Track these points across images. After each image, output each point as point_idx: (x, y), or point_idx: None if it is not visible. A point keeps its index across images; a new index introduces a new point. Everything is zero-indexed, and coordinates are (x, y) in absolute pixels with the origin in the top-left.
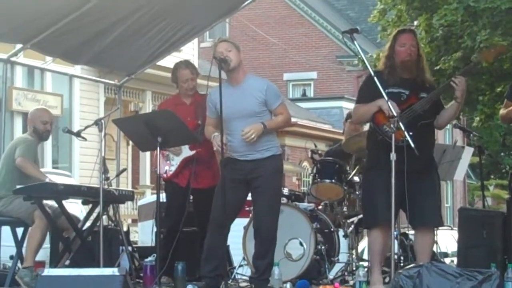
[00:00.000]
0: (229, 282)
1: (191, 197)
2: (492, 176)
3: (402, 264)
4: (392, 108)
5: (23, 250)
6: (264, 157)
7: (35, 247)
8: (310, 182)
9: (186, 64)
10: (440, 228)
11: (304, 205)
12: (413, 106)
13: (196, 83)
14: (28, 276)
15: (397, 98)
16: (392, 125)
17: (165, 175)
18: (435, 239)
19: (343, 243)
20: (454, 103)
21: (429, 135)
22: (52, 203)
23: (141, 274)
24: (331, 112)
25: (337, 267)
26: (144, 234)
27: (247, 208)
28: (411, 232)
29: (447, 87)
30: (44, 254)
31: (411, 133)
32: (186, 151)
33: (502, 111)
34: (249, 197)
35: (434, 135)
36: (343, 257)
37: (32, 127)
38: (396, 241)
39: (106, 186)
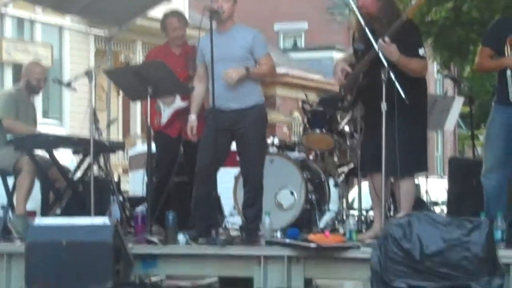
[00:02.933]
0: (220, 231)
1: (182, 148)
2: (482, 126)
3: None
4: None
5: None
6: (248, 106)
7: (24, 194)
8: (301, 132)
9: (174, 13)
10: (429, 176)
11: (295, 154)
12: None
13: (185, 32)
14: (20, 225)
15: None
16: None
17: (156, 125)
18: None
19: (334, 193)
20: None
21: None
22: (42, 153)
23: (132, 224)
24: (322, 62)
25: (328, 216)
26: (135, 184)
27: (239, 158)
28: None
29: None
30: (35, 204)
31: None
32: (178, 102)
33: (479, 59)
34: (233, 147)
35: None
36: (333, 206)
37: (25, 81)
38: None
39: (96, 136)
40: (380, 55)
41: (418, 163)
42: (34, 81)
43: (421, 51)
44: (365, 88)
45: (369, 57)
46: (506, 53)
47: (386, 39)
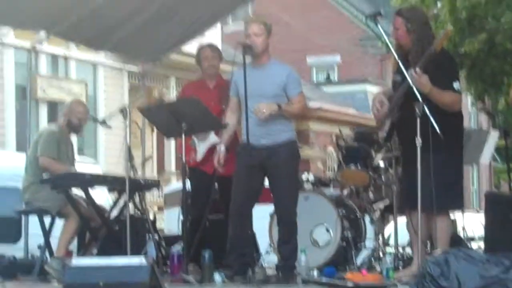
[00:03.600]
0: (256, 269)
1: (217, 184)
2: None
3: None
4: None
5: (55, 239)
6: (280, 142)
7: (68, 238)
8: (336, 168)
9: (208, 44)
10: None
11: (330, 191)
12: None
13: (219, 64)
14: (59, 265)
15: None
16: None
17: (191, 161)
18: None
19: (370, 229)
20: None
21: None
22: (78, 192)
23: (168, 263)
24: (356, 96)
25: (364, 253)
26: (170, 222)
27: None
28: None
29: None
30: (71, 243)
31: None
32: (213, 138)
33: None
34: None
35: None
36: (369, 243)
37: (66, 120)
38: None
39: (131, 174)
40: (413, 86)
41: (454, 199)
42: (76, 120)
43: (455, 85)
44: (399, 121)
45: (403, 89)
46: None
47: (418, 70)
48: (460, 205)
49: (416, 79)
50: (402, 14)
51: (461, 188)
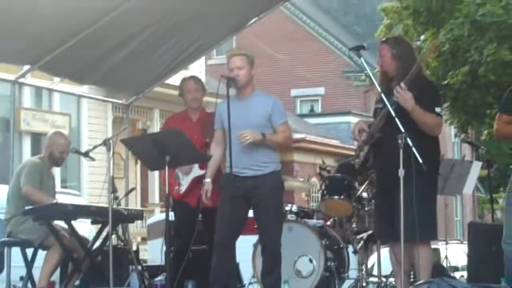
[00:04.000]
0: None
1: (200, 215)
2: (501, 189)
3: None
4: None
5: (38, 270)
6: (264, 173)
7: (50, 270)
8: (319, 199)
9: (191, 77)
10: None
11: (313, 221)
12: (371, 127)
13: (202, 97)
14: None
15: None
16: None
17: (175, 194)
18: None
19: (353, 259)
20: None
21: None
22: (60, 223)
23: None
24: (339, 127)
25: (347, 284)
26: (153, 252)
27: (256, 226)
28: (433, 246)
29: (393, 100)
30: (54, 274)
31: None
32: (196, 170)
33: (497, 126)
34: (251, 214)
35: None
36: (353, 273)
37: (48, 152)
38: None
39: (115, 206)
40: (392, 111)
41: (434, 228)
42: (58, 154)
43: (437, 109)
44: (377, 150)
45: (383, 113)
46: None
47: (402, 85)
48: (436, 236)
49: (401, 94)
50: (388, 41)
51: (435, 218)
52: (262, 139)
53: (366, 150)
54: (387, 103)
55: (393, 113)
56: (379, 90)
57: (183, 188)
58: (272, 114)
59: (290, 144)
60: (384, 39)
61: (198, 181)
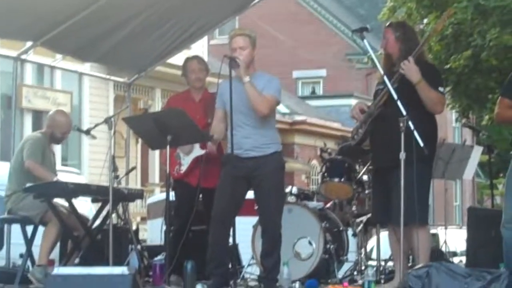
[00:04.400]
0: (238, 281)
1: (200, 196)
2: (501, 175)
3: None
4: None
5: (33, 248)
6: (266, 154)
7: (49, 246)
8: (319, 181)
9: (195, 56)
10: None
11: (313, 204)
12: (371, 105)
13: (205, 77)
14: (41, 274)
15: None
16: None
17: (175, 173)
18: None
19: (352, 242)
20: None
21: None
22: (61, 201)
23: (150, 273)
24: (341, 110)
25: (346, 266)
26: (153, 232)
27: (257, 207)
28: (432, 231)
29: (399, 76)
30: (53, 252)
31: None
32: (197, 150)
33: (498, 110)
34: (251, 195)
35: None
36: (352, 256)
37: (50, 131)
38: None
39: (115, 184)
40: (393, 92)
41: (427, 212)
42: (59, 134)
43: (441, 89)
44: (374, 134)
45: (385, 92)
46: None
47: (411, 59)
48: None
49: (408, 67)
50: (391, 25)
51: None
52: (244, 73)
53: (364, 129)
54: (388, 84)
55: (394, 95)
56: (381, 72)
57: (184, 168)
58: (264, 88)
59: (262, 110)
60: (390, 22)
61: (199, 161)
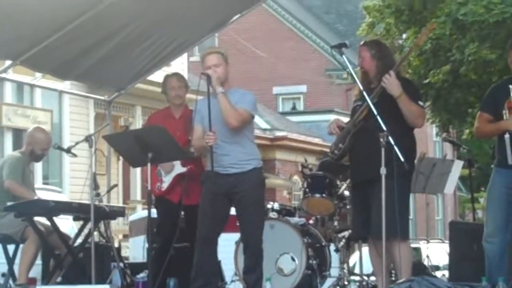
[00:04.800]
0: None
1: (182, 213)
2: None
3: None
4: None
5: (15, 267)
6: (246, 170)
7: (28, 263)
8: (301, 197)
9: (174, 73)
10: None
11: (295, 219)
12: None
13: (184, 94)
14: None
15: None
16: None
17: (157, 191)
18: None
19: (335, 258)
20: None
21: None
22: (43, 220)
23: None
24: (321, 125)
25: (329, 282)
26: (135, 249)
27: (238, 223)
28: (414, 245)
29: (380, 90)
30: (35, 271)
31: None
32: (178, 168)
33: (478, 124)
34: (233, 211)
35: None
36: (334, 271)
37: (30, 149)
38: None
39: (97, 202)
40: (372, 106)
41: (407, 227)
42: (39, 151)
43: (420, 103)
44: (354, 148)
45: (363, 108)
46: (504, 117)
47: (392, 73)
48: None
49: (390, 81)
50: (366, 43)
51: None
52: (218, 88)
53: (344, 144)
54: (367, 99)
55: (374, 110)
56: (361, 87)
57: (165, 185)
58: (238, 101)
59: (232, 122)
60: (362, 42)
61: (180, 178)
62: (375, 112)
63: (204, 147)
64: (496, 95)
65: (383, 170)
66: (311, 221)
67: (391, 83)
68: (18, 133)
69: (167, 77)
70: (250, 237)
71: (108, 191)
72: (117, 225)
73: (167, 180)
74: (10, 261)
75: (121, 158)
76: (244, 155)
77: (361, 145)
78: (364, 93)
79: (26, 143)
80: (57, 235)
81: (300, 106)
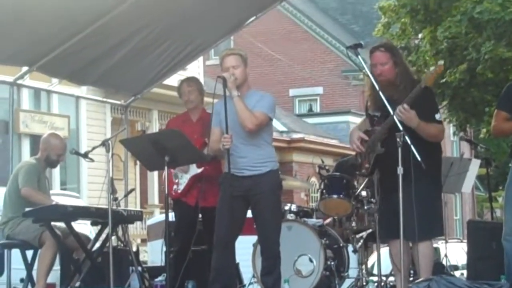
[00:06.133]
0: None
1: (200, 215)
2: (500, 188)
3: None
4: None
5: (34, 272)
6: (262, 172)
7: (46, 269)
8: (318, 198)
9: (186, 78)
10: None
11: (313, 221)
12: (372, 136)
13: (197, 97)
14: None
15: (372, 121)
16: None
17: (173, 193)
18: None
19: (353, 258)
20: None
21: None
22: (60, 224)
23: None
24: (338, 127)
25: (347, 283)
26: (153, 253)
27: (255, 226)
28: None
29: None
30: (54, 276)
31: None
32: (194, 169)
33: (495, 123)
34: (249, 214)
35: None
36: (353, 272)
37: (45, 155)
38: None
39: (114, 207)
40: (397, 121)
41: (435, 227)
42: (55, 156)
43: (437, 116)
44: (383, 156)
45: (387, 124)
46: None
47: (406, 106)
48: (440, 233)
49: (405, 115)
50: (387, 48)
51: (441, 217)
52: (234, 90)
53: (372, 160)
54: (390, 110)
55: (399, 125)
56: (377, 87)
57: (181, 187)
58: (256, 104)
59: (251, 127)
60: (383, 45)
61: (196, 180)
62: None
63: (220, 150)
64: None
65: (400, 170)
66: (328, 222)
67: (408, 117)
68: (35, 139)
69: (180, 83)
70: (267, 240)
71: (126, 196)
72: (135, 230)
73: (183, 182)
74: (29, 266)
75: (138, 162)
76: (261, 157)
77: (387, 157)
78: (386, 103)
79: (42, 149)
80: (75, 239)
81: (317, 108)
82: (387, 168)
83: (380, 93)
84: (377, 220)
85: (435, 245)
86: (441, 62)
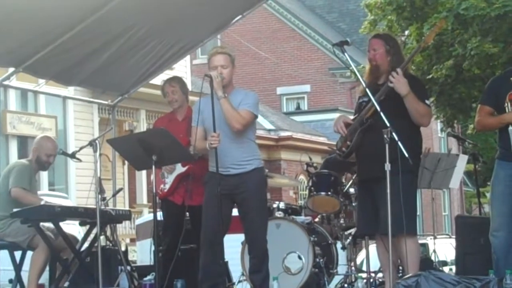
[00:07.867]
0: None
1: (187, 214)
2: (488, 183)
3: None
4: None
5: (22, 273)
6: (247, 171)
7: (37, 272)
8: (306, 195)
9: (168, 79)
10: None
11: (301, 218)
12: (358, 116)
13: (180, 97)
14: None
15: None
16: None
17: (160, 192)
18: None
19: (341, 255)
20: (404, 99)
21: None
22: (49, 225)
23: None
24: (326, 124)
25: (336, 279)
26: (142, 253)
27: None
28: (421, 241)
29: (386, 88)
30: (43, 277)
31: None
32: (179, 168)
33: (478, 117)
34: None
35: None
36: (341, 269)
37: (35, 156)
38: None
39: (103, 207)
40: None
41: (415, 223)
42: (45, 157)
43: (427, 101)
44: (360, 145)
45: (369, 106)
46: (506, 109)
47: (399, 70)
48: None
49: (397, 79)
50: (382, 36)
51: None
52: (220, 89)
53: (352, 142)
54: (371, 97)
55: (378, 107)
56: (364, 85)
57: (167, 186)
58: (241, 102)
59: (237, 125)
60: (378, 35)
61: (181, 179)
62: (379, 110)
63: (205, 149)
64: (497, 87)
65: (387, 166)
66: (317, 220)
67: (399, 82)
68: (23, 140)
69: (163, 84)
70: (254, 238)
71: (114, 195)
72: (124, 229)
73: (168, 181)
74: (17, 267)
75: (126, 162)
76: (246, 155)
77: (368, 143)
78: (367, 90)
79: (33, 150)
80: (64, 239)
81: (304, 106)
82: (366, 162)
83: (361, 80)
84: (357, 218)
85: (423, 241)
86: (435, 16)
